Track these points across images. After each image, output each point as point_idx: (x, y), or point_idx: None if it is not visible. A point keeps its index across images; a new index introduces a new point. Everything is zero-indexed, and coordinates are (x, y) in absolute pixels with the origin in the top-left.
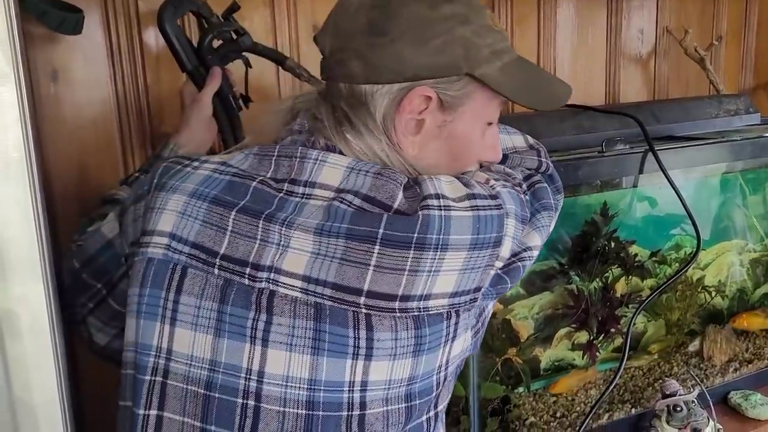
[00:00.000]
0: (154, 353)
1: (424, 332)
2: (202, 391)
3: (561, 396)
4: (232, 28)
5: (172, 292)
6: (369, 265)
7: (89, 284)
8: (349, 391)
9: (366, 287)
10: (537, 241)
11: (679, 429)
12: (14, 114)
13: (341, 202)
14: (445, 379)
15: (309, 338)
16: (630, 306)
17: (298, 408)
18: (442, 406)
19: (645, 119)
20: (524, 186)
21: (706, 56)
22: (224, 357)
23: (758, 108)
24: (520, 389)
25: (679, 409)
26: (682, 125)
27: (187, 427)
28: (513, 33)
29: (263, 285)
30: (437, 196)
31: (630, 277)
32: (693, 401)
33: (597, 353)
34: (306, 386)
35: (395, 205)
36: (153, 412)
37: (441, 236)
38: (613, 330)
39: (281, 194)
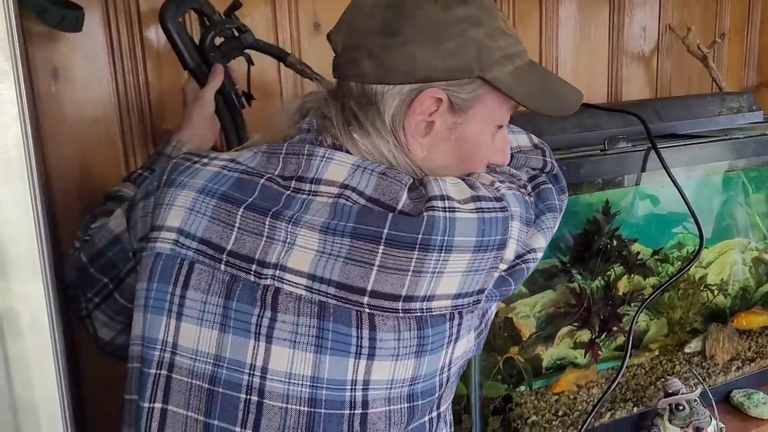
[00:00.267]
0: (160, 347)
1: (427, 333)
2: (206, 385)
3: (563, 395)
4: (234, 25)
5: (179, 287)
6: (373, 264)
7: (96, 279)
8: (351, 389)
9: (370, 287)
10: (541, 242)
11: (682, 428)
12: (13, 112)
13: (347, 199)
14: (448, 380)
15: (312, 336)
16: (632, 304)
17: (300, 405)
18: (445, 406)
19: (647, 117)
20: (529, 187)
21: (709, 54)
22: (229, 352)
23: (761, 106)
24: (522, 388)
25: (681, 407)
26: (685, 123)
27: (190, 421)
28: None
29: (269, 282)
30: (442, 198)
31: (632, 275)
32: (695, 400)
33: (599, 352)
34: (309, 383)
35: (399, 207)
36: (158, 405)
37: (445, 238)
38: (615, 328)
39: (288, 191)
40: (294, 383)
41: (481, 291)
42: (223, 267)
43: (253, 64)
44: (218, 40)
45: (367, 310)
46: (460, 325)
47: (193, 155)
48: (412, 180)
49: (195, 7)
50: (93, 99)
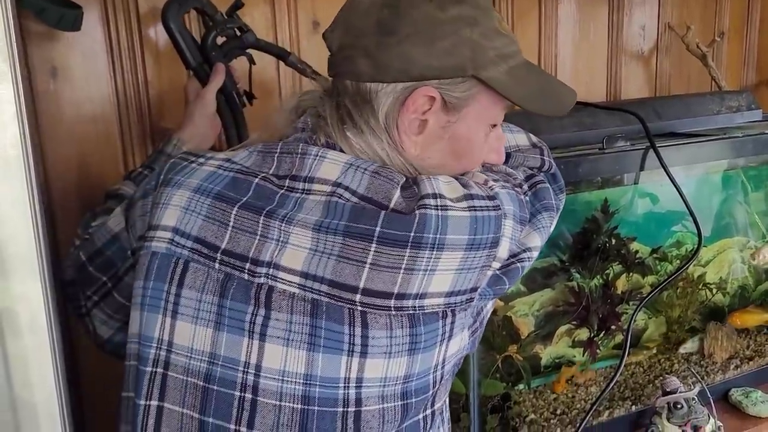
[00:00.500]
0: (156, 345)
1: (419, 331)
2: (201, 383)
3: (561, 393)
4: (236, 25)
5: (174, 285)
6: (365, 262)
7: (95, 277)
8: (344, 387)
9: (362, 285)
10: (537, 241)
11: (680, 426)
12: (11, 111)
13: (339, 197)
14: (441, 377)
15: (305, 334)
16: (631, 303)
17: (293, 402)
18: (439, 404)
19: (646, 116)
20: (525, 186)
21: (708, 52)
22: (223, 350)
23: (760, 104)
24: (521, 386)
25: (679, 406)
26: (684, 122)
27: (186, 418)
28: (514, 29)
29: (262, 280)
30: (435, 196)
31: (631, 274)
32: (693, 398)
33: (597, 350)
34: (302, 381)
35: (391, 205)
36: (154, 403)
37: (438, 236)
38: (613, 327)
39: (283, 191)
40: (287, 381)
41: (474, 289)
42: (217, 266)
43: (254, 64)
44: (220, 40)
45: (359, 308)
46: (453, 323)
47: (189, 155)
48: (405, 179)
49: (197, 7)
50: (92, 98)
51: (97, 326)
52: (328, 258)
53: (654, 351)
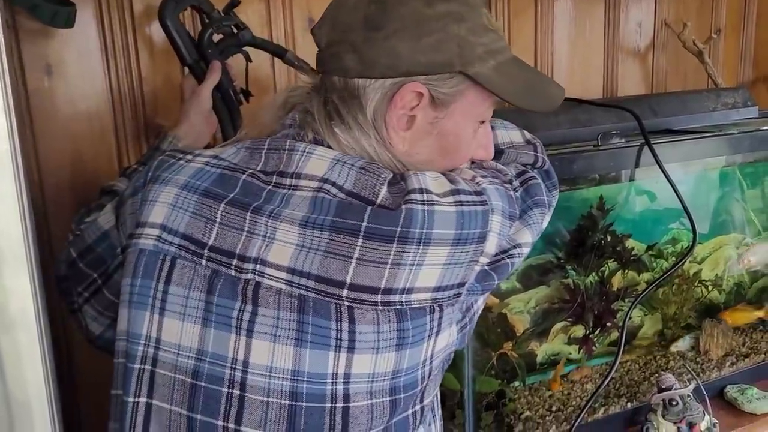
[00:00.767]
0: (144, 342)
1: (407, 326)
2: (189, 379)
3: (557, 390)
4: (233, 22)
5: (162, 282)
6: (352, 258)
7: (85, 274)
8: (332, 383)
9: (348, 280)
10: (527, 238)
11: (675, 423)
12: None
13: (326, 193)
14: (430, 373)
15: (293, 330)
16: (626, 300)
17: (281, 398)
18: (429, 400)
19: (643, 113)
20: (516, 183)
21: (705, 49)
22: (211, 347)
23: (757, 101)
24: (516, 383)
25: (674, 403)
26: (680, 119)
27: (174, 415)
28: (510, 26)
29: (249, 276)
30: (421, 191)
31: (626, 271)
32: (689, 395)
33: (593, 347)
34: (289, 377)
35: (378, 201)
36: (142, 400)
37: (424, 230)
38: (609, 324)
39: (270, 187)
40: (275, 377)
41: (461, 284)
42: (204, 262)
43: (251, 61)
44: (216, 37)
45: (346, 303)
46: (440, 318)
47: (178, 152)
48: (392, 175)
49: (194, 4)
50: (86, 95)
51: (89, 322)
52: (315, 253)
53: (649, 348)
